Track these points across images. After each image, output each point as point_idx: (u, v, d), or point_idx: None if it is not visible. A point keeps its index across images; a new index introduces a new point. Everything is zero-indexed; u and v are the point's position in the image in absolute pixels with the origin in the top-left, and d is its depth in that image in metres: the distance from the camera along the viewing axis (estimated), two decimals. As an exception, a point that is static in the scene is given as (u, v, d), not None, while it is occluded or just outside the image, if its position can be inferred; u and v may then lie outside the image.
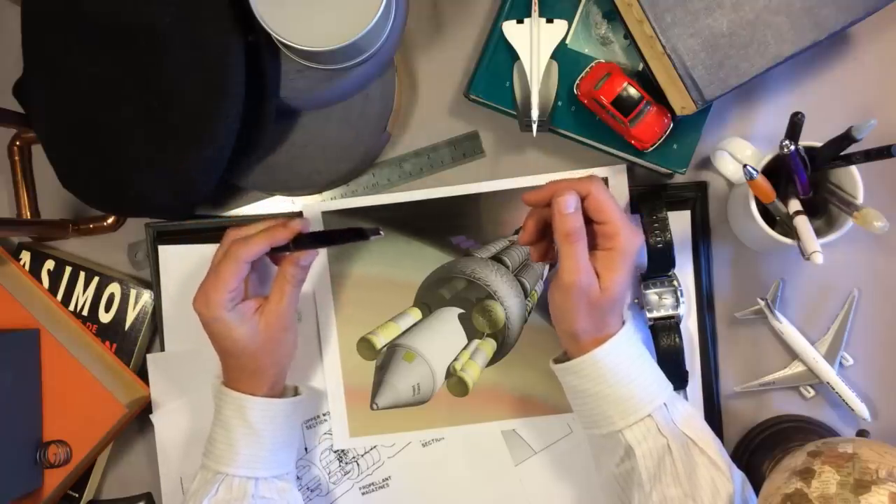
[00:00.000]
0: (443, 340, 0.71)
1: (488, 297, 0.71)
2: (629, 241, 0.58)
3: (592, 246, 0.59)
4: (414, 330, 0.72)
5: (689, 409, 0.60)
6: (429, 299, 0.72)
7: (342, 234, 0.64)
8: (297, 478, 0.72)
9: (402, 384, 0.72)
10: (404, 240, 0.72)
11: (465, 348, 0.71)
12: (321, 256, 0.71)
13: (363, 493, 0.72)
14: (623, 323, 0.61)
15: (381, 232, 0.60)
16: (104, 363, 0.72)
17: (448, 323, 0.71)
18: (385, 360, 0.72)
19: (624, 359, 0.59)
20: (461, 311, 0.71)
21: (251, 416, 0.62)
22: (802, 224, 0.59)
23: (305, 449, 0.72)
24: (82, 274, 0.73)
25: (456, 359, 0.71)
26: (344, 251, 0.72)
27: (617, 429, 0.58)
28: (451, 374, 0.72)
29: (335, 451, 0.72)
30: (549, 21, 0.67)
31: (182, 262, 0.72)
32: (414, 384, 0.72)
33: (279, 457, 0.65)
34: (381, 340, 0.72)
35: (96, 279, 0.73)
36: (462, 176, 0.73)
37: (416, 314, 0.72)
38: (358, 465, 0.72)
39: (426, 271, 0.72)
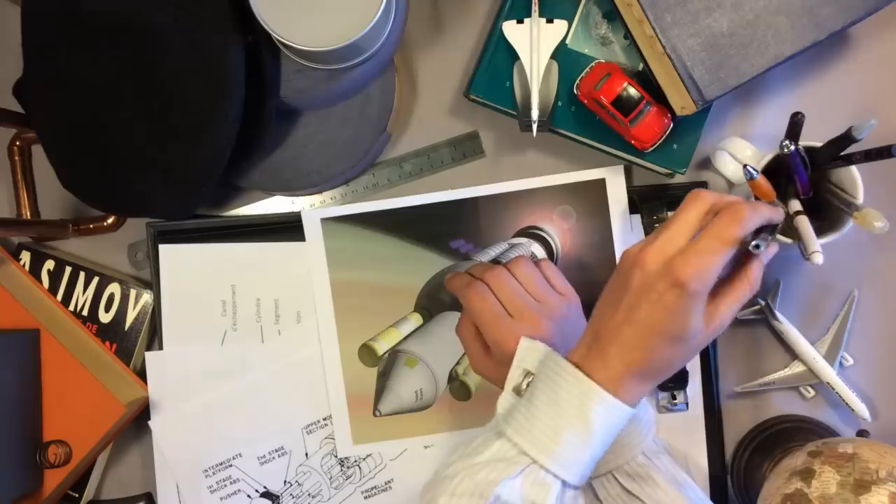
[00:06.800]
0: (444, 345, 0.71)
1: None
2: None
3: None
4: (415, 335, 0.72)
5: (642, 469, 0.56)
6: (429, 304, 0.72)
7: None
8: (299, 484, 0.72)
9: (404, 390, 0.72)
10: (403, 245, 0.71)
11: (466, 352, 0.71)
12: (321, 263, 0.71)
13: (366, 497, 0.72)
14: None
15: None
16: (104, 363, 0.71)
17: (449, 327, 0.71)
18: (387, 366, 0.72)
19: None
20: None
21: (594, 414, 0.50)
22: (802, 224, 0.59)
23: (306, 454, 0.72)
24: (82, 274, 0.73)
25: (458, 363, 0.71)
26: (342, 258, 0.71)
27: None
28: (453, 378, 0.71)
29: (336, 457, 0.72)
30: (549, 21, 0.67)
31: (182, 262, 0.72)
32: (416, 390, 0.71)
33: (592, 465, 0.53)
34: (382, 347, 0.72)
35: (96, 279, 0.73)
36: (462, 176, 0.73)
37: (416, 319, 0.72)
38: (360, 468, 0.72)
39: (426, 276, 0.72)
